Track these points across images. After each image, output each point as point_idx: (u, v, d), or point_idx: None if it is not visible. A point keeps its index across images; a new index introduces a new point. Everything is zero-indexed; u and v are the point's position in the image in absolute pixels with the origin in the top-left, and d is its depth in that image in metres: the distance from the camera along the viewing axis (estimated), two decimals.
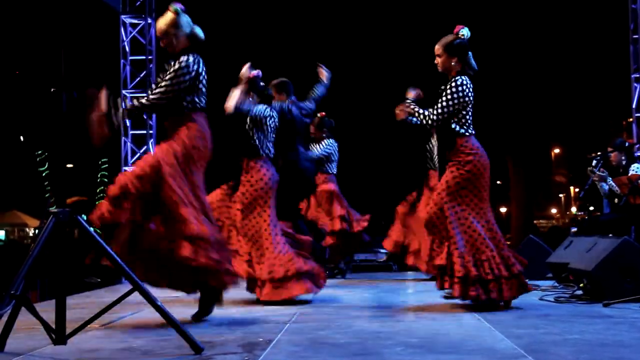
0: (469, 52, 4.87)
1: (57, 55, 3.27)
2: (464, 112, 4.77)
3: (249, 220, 5.36)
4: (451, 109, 4.73)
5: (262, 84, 5.53)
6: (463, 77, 4.79)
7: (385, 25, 14.56)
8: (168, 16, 4.27)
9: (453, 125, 4.76)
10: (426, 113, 4.79)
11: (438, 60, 4.90)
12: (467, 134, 4.77)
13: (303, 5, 12.68)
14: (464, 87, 4.73)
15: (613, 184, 6.92)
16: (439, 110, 4.74)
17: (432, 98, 4.95)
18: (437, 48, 4.88)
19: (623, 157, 7.25)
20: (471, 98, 4.79)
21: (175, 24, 4.23)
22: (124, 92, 10.83)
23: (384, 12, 14.11)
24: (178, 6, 4.28)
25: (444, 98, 4.74)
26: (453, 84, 4.74)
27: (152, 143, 9.95)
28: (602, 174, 6.93)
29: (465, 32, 4.85)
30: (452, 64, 4.83)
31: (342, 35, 14.42)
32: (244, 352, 3.25)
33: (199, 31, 4.33)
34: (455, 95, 4.72)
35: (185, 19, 4.31)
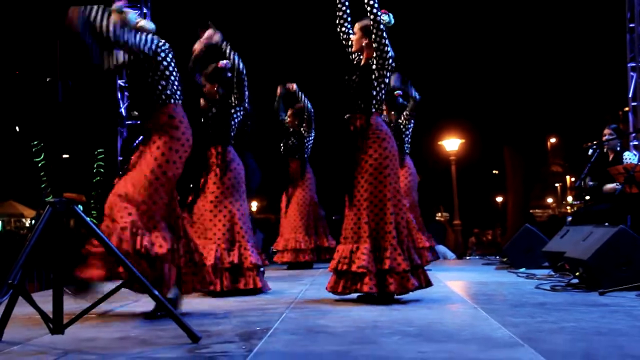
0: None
1: (53, 45, 3.25)
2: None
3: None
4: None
5: (229, 74, 5.46)
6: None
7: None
8: (113, 18, 4.18)
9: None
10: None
11: (352, 38, 4.83)
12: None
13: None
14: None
15: (606, 188, 7.07)
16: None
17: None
18: (356, 26, 4.80)
19: (618, 142, 7.32)
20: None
21: (122, 24, 4.16)
22: (119, 82, 10.79)
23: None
24: (119, 4, 4.21)
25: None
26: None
27: None
28: (590, 183, 7.16)
29: (386, 17, 4.74)
30: (364, 44, 4.76)
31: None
32: (241, 341, 3.25)
33: (146, 23, 4.29)
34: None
35: (130, 15, 4.25)
